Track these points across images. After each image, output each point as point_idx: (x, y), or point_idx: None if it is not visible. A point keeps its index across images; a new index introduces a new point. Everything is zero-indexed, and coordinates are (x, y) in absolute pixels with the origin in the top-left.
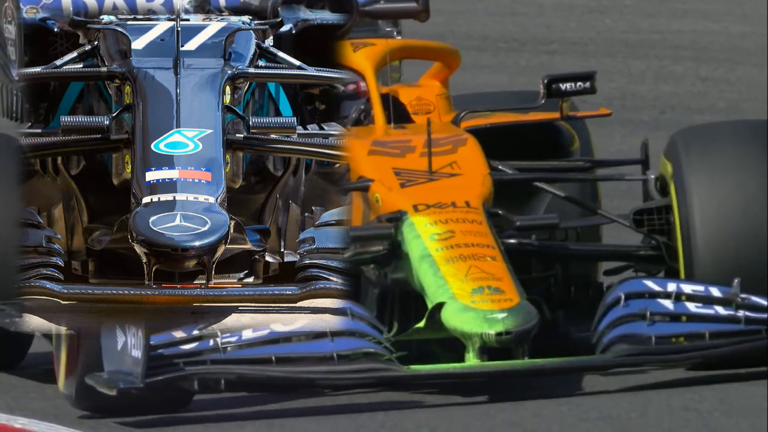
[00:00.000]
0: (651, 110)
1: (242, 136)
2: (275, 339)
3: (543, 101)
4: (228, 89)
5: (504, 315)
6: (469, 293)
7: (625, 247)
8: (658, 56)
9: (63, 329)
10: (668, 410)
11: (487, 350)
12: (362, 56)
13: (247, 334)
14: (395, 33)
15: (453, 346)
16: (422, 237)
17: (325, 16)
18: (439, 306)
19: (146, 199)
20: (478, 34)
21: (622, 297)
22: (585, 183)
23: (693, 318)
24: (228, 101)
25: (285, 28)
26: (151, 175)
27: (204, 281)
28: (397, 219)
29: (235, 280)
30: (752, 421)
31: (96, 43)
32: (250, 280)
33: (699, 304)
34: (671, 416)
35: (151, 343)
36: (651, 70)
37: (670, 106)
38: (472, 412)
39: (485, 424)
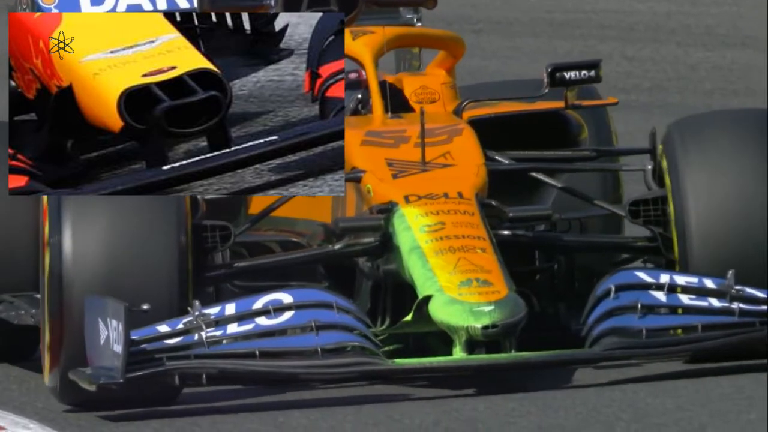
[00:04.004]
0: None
1: None
2: (260, 333)
3: (547, 90)
4: None
5: (491, 308)
6: (456, 286)
7: (622, 238)
8: (584, 36)
9: None
10: (594, 389)
11: (483, 343)
12: (361, 44)
13: (233, 328)
14: (415, 20)
15: (450, 339)
16: (412, 229)
17: None
18: (427, 299)
19: None
20: None
21: (613, 289)
22: (606, 172)
23: (686, 310)
24: None
25: None
26: None
27: None
28: (388, 210)
29: None
30: (678, 401)
31: None
32: None
33: (692, 296)
34: (597, 395)
35: (133, 338)
36: (576, 50)
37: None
38: (396, 401)
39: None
